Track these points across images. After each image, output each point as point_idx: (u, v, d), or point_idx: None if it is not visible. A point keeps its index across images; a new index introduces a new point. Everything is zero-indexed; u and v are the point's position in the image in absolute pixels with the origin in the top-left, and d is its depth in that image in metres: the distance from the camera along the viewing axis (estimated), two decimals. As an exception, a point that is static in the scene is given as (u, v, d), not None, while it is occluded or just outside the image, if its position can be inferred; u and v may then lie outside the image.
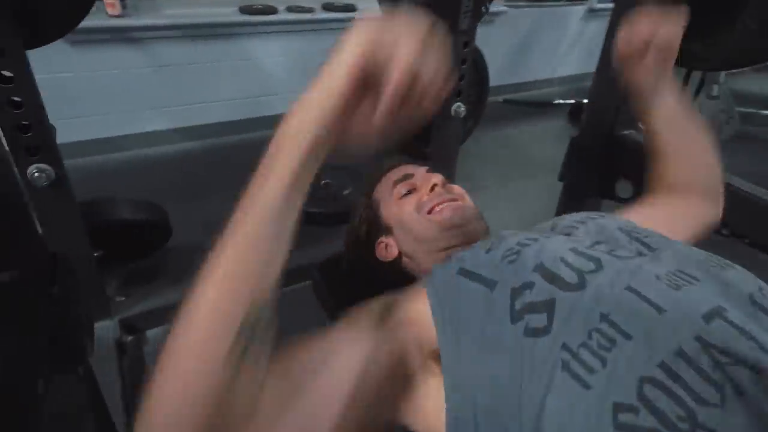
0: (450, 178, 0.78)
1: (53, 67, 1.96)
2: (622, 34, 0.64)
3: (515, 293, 0.46)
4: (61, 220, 1.05)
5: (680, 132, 0.70)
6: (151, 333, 1.30)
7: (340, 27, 2.42)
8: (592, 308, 0.42)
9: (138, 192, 1.97)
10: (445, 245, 0.68)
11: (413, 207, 0.70)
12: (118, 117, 2.23)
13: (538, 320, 0.43)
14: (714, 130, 0.69)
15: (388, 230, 0.74)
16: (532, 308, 0.44)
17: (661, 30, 0.62)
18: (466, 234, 0.68)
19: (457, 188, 0.75)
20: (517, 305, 0.45)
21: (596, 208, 1.13)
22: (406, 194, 0.72)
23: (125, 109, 2.24)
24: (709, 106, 2.43)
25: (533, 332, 0.43)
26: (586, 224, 0.60)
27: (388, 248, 0.74)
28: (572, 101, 3.12)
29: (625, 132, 1.13)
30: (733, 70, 2.33)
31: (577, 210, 1.13)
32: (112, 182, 2.05)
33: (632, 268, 0.46)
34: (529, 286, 0.46)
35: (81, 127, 2.13)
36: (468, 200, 0.73)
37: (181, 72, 2.29)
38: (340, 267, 0.88)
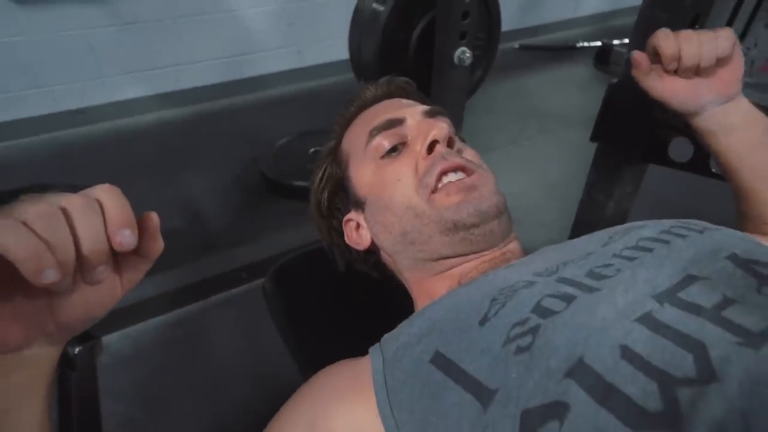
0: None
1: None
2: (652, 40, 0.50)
3: (531, 420, 0.23)
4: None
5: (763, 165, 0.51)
6: (108, 339, 1.13)
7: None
8: None
9: (106, 170, 1.79)
10: (446, 253, 0.46)
11: (404, 177, 0.47)
12: (84, 86, 2.00)
13: None
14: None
15: (358, 204, 0.51)
16: None
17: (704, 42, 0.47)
18: (479, 240, 0.45)
19: (469, 151, 0.51)
20: None
21: (641, 176, 0.88)
22: (390, 151, 0.49)
23: (90, 76, 2.00)
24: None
25: None
26: (671, 245, 0.35)
27: (359, 231, 0.52)
28: (599, 44, 2.76)
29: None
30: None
31: (614, 179, 0.90)
32: (81, 160, 1.85)
33: None
34: (558, 409, 0.23)
35: (41, 100, 1.90)
36: (486, 174, 0.48)
37: (150, 30, 2.03)
38: (294, 272, 0.66)
